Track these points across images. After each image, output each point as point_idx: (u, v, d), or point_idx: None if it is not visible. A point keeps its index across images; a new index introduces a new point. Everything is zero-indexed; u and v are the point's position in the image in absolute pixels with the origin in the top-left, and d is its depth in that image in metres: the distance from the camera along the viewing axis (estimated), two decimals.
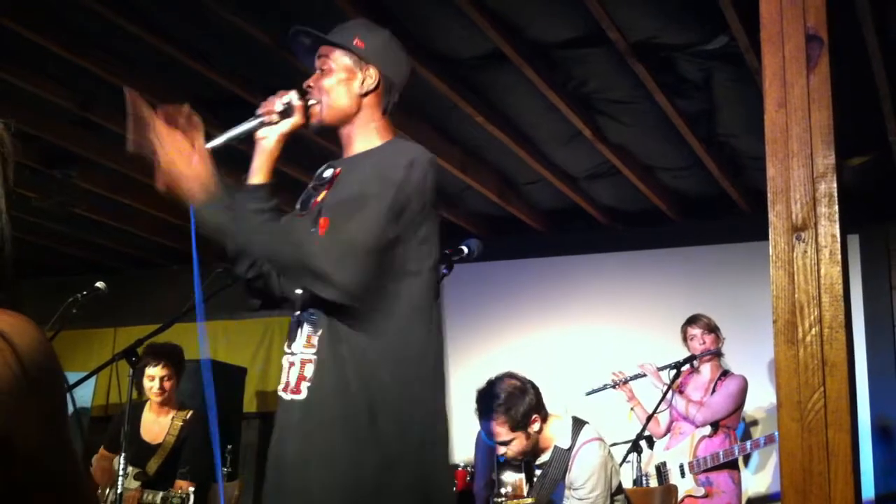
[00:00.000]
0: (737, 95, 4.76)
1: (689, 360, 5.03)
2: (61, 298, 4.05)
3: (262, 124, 2.22)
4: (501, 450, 3.67)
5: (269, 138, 2.21)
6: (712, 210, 6.38)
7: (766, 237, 2.11)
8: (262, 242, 2.10)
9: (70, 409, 1.06)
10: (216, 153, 2.17)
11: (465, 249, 3.54)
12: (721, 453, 4.84)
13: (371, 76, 2.25)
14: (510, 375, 3.69)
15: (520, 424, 3.55)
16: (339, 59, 2.26)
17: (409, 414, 2.04)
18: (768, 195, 2.12)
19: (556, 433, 3.62)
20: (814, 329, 2.02)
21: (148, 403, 4.70)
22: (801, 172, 2.10)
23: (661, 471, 4.99)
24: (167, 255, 7.91)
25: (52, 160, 5.68)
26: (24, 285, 1.05)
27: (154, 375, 4.54)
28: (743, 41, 4.02)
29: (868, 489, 5.58)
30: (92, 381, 6.47)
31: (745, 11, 3.75)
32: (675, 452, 4.98)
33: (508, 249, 6.74)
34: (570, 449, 3.55)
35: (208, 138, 2.17)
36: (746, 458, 5.63)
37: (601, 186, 6.21)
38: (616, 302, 6.56)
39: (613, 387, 5.27)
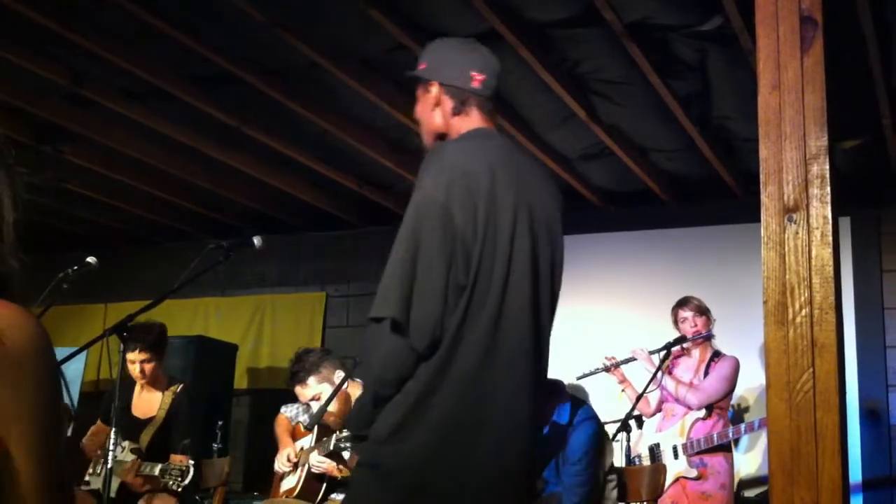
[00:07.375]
0: (730, 77, 4.75)
1: (679, 341, 5.01)
2: (52, 274, 4.04)
3: None
4: None
5: None
6: (705, 191, 6.39)
7: (757, 219, 2.11)
8: None
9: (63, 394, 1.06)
10: None
11: None
12: (715, 436, 4.82)
13: (432, 91, 2.44)
14: None
15: None
16: (419, 89, 2.48)
17: None
18: (760, 176, 2.12)
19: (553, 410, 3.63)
20: (804, 310, 2.03)
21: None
22: (793, 154, 2.10)
23: (655, 452, 4.98)
24: (158, 231, 7.89)
25: (44, 136, 5.65)
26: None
27: (134, 360, 4.57)
28: (737, 22, 4.00)
29: (855, 472, 5.61)
30: (83, 356, 6.47)
31: None
32: (668, 434, 4.97)
33: None
34: (568, 425, 3.57)
35: None
36: (736, 440, 5.64)
37: (594, 167, 6.21)
38: (608, 282, 6.57)
39: (606, 370, 5.26)
